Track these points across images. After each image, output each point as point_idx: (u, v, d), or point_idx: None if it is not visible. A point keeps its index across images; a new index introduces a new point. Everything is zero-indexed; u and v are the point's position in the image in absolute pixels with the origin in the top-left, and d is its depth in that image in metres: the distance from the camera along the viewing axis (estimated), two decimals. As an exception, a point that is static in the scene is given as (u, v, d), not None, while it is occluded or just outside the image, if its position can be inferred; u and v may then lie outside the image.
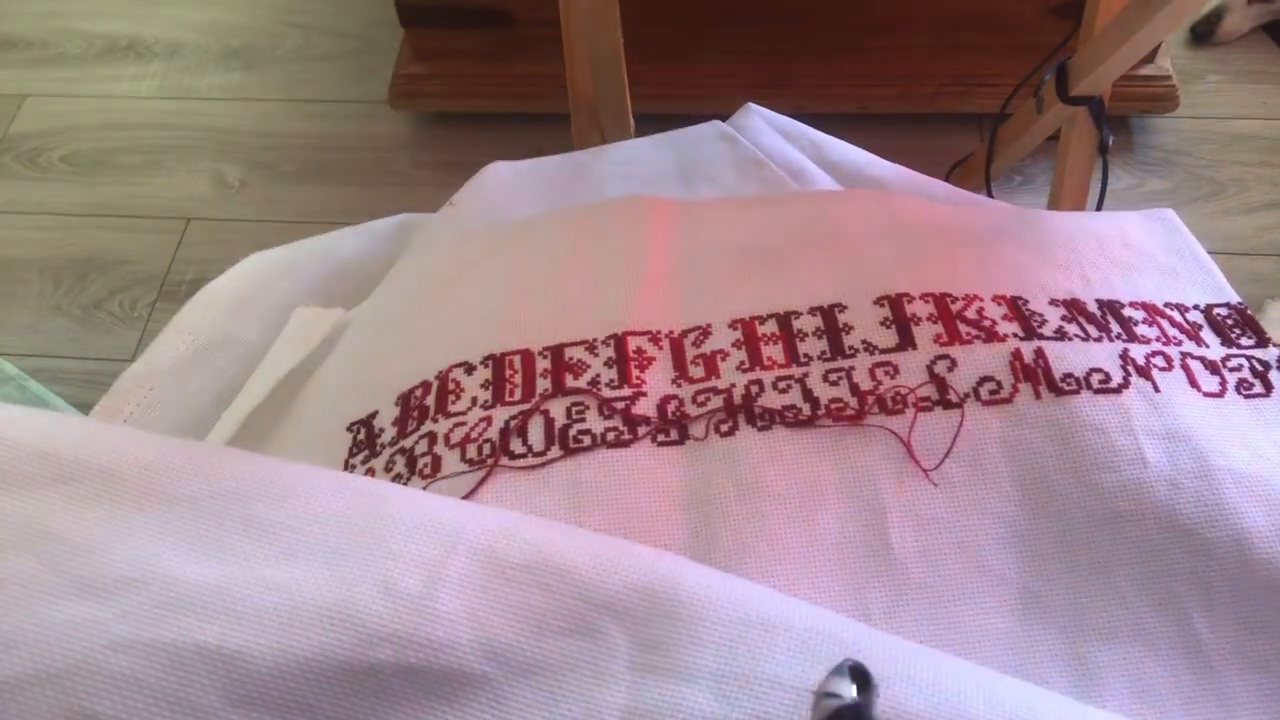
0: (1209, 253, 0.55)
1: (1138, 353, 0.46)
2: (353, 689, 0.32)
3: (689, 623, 0.34)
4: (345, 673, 0.32)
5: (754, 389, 0.46)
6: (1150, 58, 1.25)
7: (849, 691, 0.28)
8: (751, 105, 0.73)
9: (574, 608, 0.34)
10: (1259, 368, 0.47)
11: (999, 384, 0.45)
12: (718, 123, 0.71)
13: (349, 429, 0.49)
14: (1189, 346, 0.48)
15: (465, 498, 0.43)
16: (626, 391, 0.46)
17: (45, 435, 0.35)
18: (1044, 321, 0.47)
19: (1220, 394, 0.46)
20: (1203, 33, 1.38)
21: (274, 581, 0.33)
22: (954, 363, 0.45)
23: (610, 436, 0.45)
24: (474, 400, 0.47)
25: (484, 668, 0.33)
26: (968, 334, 0.46)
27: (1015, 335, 0.46)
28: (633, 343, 0.48)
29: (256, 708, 0.31)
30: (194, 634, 0.31)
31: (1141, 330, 0.48)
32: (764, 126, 0.70)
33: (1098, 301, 0.49)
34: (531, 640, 0.34)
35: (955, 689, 0.33)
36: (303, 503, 0.35)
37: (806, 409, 0.45)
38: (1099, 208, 0.89)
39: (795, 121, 0.73)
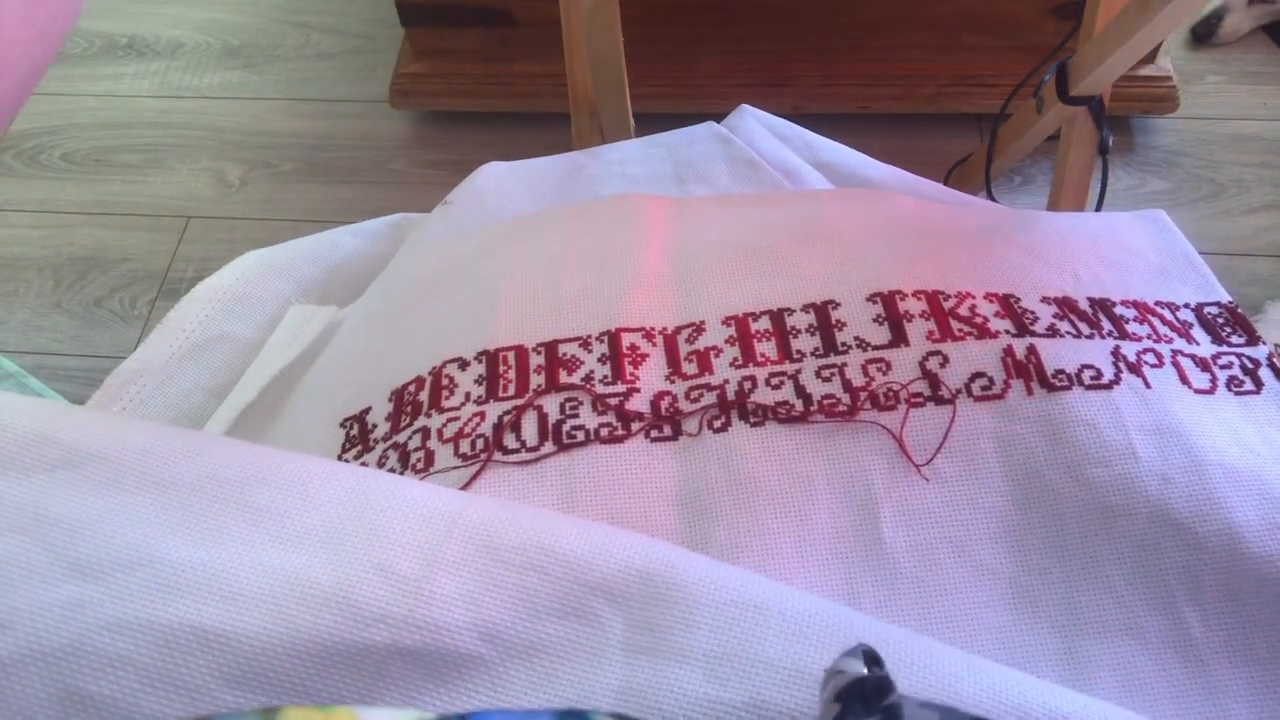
0: (1208, 253, 0.55)
1: (1129, 350, 0.46)
2: (349, 670, 0.32)
3: (682, 605, 0.34)
4: (341, 654, 0.32)
5: (747, 385, 0.46)
6: (1150, 58, 1.26)
7: (862, 671, 0.28)
8: (745, 106, 0.73)
9: (569, 590, 0.34)
10: (1249, 365, 0.47)
11: (991, 380, 0.45)
12: (712, 124, 0.71)
13: (342, 424, 0.50)
14: (1180, 344, 0.48)
15: (458, 492, 0.43)
16: (620, 388, 0.46)
17: (44, 421, 0.35)
18: (1036, 319, 0.47)
19: (1211, 390, 0.46)
20: (1203, 33, 1.38)
21: (270, 564, 0.33)
22: (946, 359, 0.46)
23: (604, 432, 0.45)
24: (467, 396, 0.47)
25: (480, 649, 0.33)
26: (960, 331, 0.46)
27: (1007, 332, 0.46)
28: (626, 339, 0.48)
29: (251, 688, 0.31)
30: (189, 615, 0.31)
31: (1133, 328, 0.48)
32: (758, 127, 0.71)
33: (1089, 299, 0.49)
34: (527, 622, 0.34)
35: (948, 671, 0.33)
36: (299, 488, 0.36)
37: (799, 405, 0.45)
38: (1099, 208, 0.89)
39: (789, 123, 0.73)
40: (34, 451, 0.35)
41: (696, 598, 0.34)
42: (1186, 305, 0.51)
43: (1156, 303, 0.50)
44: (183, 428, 0.38)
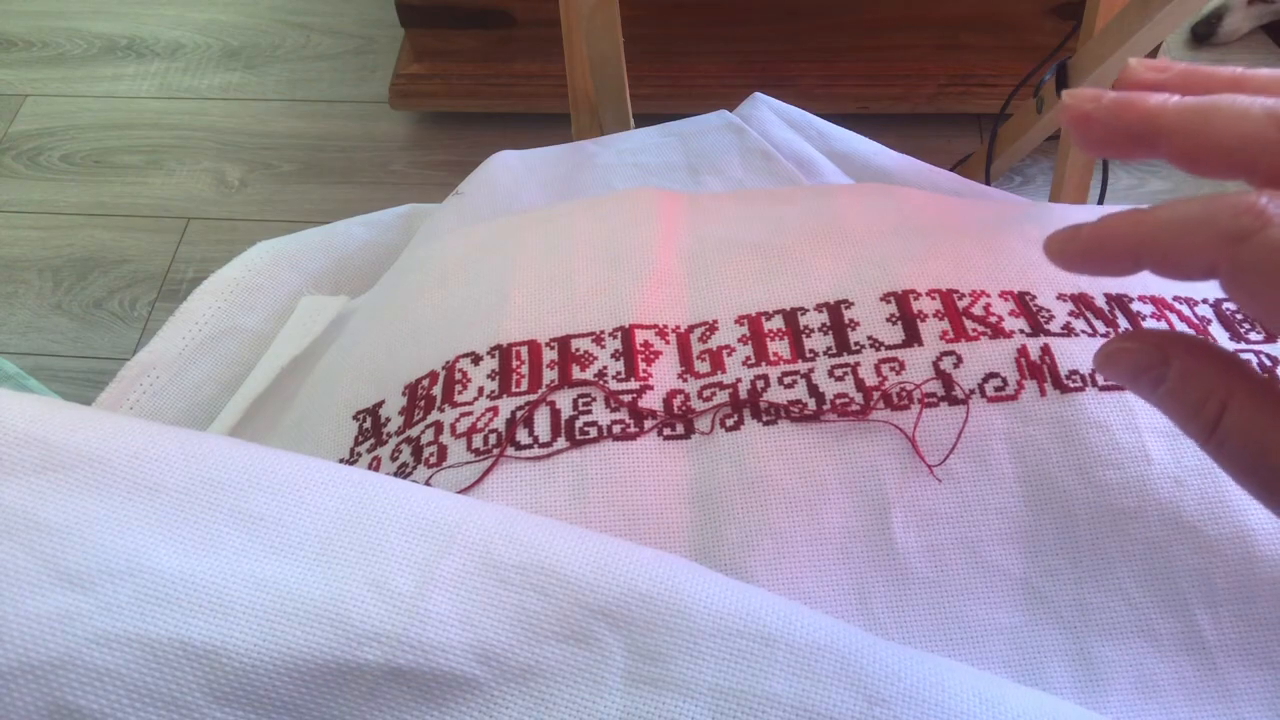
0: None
1: None
2: (340, 689, 0.31)
3: (687, 634, 0.33)
4: (333, 672, 0.31)
5: (760, 384, 0.46)
6: (1150, 57, 1.26)
7: None
8: (759, 95, 0.73)
9: (569, 612, 0.33)
10: (1266, 363, 0.47)
11: (1004, 381, 0.45)
12: (725, 112, 0.71)
13: (355, 417, 0.50)
14: None
15: (470, 488, 0.43)
16: (633, 384, 0.46)
17: (35, 420, 0.34)
18: (1051, 317, 0.47)
19: None
20: (1203, 33, 1.39)
21: (262, 577, 0.32)
22: (960, 359, 0.45)
23: (617, 429, 0.44)
24: (480, 390, 0.47)
25: (475, 672, 0.32)
26: (974, 331, 0.46)
27: (1022, 331, 0.46)
28: (640, 336, 0.48)
29: (241, 705, 0.30)
30: (179, 629, 0.31)
31: (1149, 324, 0.47)
32: (771, 116, 0.71)
33: (1106, 295, 0.49)
34: (524, 645, 0.33)
35: (960, 709, 0.32)
36: (295, 493, 0.35)
37: (812, 404, 0.45)
38: (1099, 207, 0.89)
39: (802, 111, 0.73)
40: (23, 452, 0.33)
41: (702, 626, 0.33)
42: (1205, 300, 0.50)
43: (1174, 298, 0.50)
44: (179, 427, 0.37)
